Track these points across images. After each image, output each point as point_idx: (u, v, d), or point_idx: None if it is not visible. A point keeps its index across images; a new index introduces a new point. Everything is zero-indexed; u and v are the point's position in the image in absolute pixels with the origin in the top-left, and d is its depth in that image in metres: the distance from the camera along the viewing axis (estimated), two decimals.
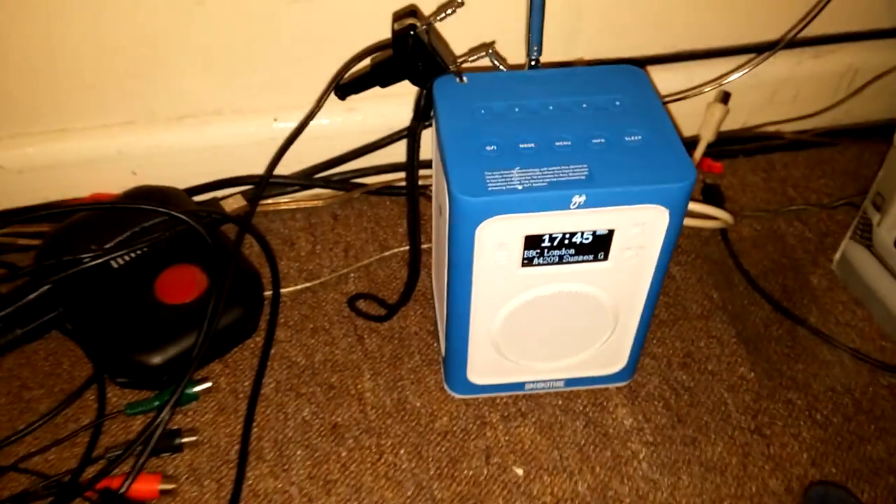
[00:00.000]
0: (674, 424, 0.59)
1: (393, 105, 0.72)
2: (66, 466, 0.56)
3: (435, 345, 0.64)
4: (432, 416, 0.59)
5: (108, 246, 0.62)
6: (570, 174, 0.47)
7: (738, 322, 0.65)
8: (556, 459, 0.56)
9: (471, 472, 0.56)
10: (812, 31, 0.76)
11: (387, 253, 0.71)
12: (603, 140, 0.49)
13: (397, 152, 0.75)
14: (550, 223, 0.48)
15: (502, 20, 0.68)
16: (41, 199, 0.71)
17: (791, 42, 0.77)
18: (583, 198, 0.46)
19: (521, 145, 0.48)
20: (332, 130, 0.73)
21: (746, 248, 0.71)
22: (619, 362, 0.59)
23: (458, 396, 0.60)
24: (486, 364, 0.57)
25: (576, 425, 0.59)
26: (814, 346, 0.64)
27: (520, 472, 0.56)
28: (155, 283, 0.61)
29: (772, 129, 0.81)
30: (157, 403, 0.58)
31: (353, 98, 0.72)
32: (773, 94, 0.80)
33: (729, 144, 0.80)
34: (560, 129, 0.49)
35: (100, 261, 0.61)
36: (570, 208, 0.47)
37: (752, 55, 0.75)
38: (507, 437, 0.58)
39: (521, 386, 0.60)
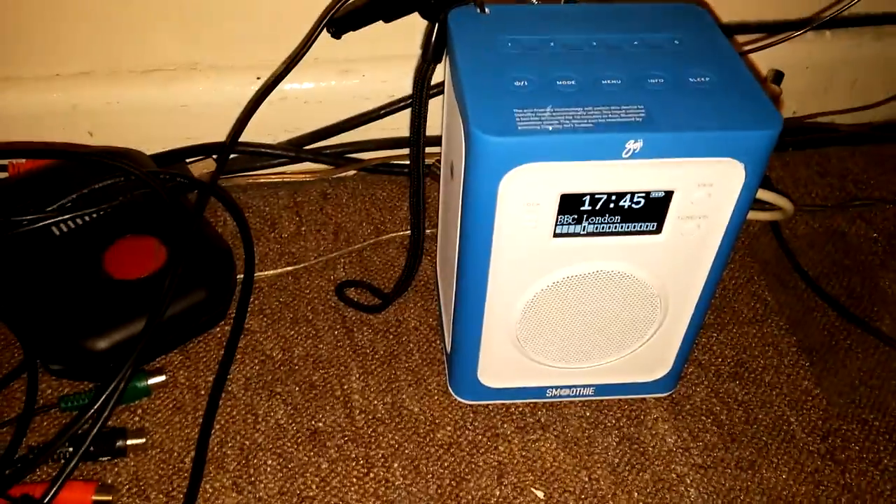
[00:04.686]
0: (726, 444, 0.48)
1: (395, 68, 0.62)
2: None
3: (438, 342, 0.53)
4: (433, 424, 0.48)
5: (49, 209, 0.52)
6: (623, 115, 0.37)
7: (799, 329, 0.55)
8: (583, 481, 0.46)
9: (479, 493, 0.45)
10: (873, 6, 0.68)
11: (383, 237, 0.61)
12: (662, 80, 0.39)
13: (398, 124, 0.65)
14: (594, 178, 0.38)
15: None
16: None
17: (849, 19, 0.68)
18: (639, 143, 0.36)
19: (559, 82, 0.39)
20: (323, 95, 0.63)
21: (802, 247, 0.61)
22: (661, 367, 0.49)
23: (465, 402, 0.50)
24: (500, 363, 0.47)
25: (608, 441, 0.48)
26: (890, 359, 0.53)
27: (540, 494, 0.45)
28: (104, 255, 0.51)
29: (826, 120, 0.72)
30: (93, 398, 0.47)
31: (349, 59, 0.63)
32: (829, 81, 0.70)
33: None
34: (607, 67, 0.40)
35: (38, 225, 0.51)
36: (622, 157, 0.37)
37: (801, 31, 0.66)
38: (523, 453, 0.47)
39: (541, 392, 0.49)
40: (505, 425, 0.49)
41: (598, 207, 0.39)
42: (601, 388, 0.49)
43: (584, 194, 0.39)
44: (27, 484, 0.43)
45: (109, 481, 0.45)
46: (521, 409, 0.50)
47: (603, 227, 0.40)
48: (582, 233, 0.40)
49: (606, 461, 0.47)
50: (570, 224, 0.40)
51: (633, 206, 0.39)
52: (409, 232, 0.61)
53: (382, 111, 0.64)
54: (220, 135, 0.63)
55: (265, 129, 0.63)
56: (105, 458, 0.46)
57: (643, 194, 0.39)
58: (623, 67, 0.40)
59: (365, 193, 0.65)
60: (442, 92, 0.48)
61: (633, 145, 0.36)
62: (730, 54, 0.41)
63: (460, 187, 0.40)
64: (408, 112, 0.64)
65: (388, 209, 0.64)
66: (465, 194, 0.39)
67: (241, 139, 0.58)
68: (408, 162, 0.66)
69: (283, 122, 0.64)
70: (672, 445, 0.48)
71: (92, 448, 0.45)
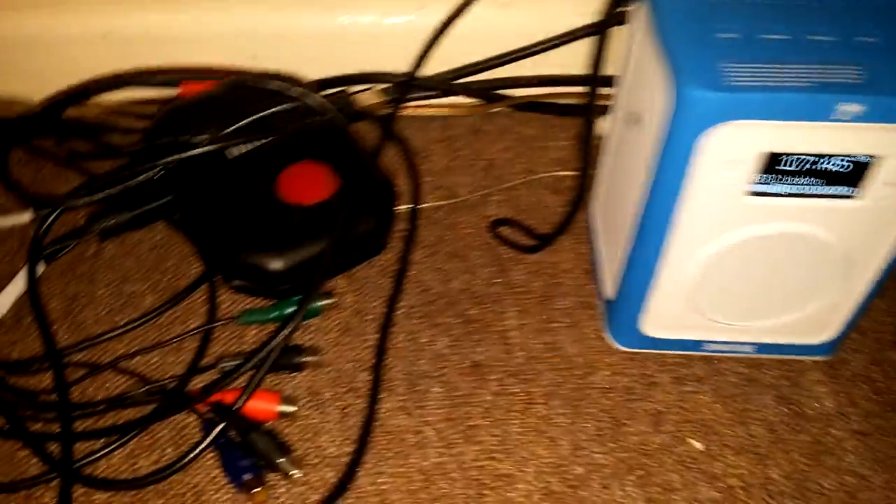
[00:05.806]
0: (885, 413, 0.48)
1: (551, 4, 0.61)
2: (170, 372, 0.49)
3: (591, 287, 0.54)
4: (590, 367, 0.50)
5: (226, 132, 0.54)
6: (839, 75, 0.36)
7: None
8: (742, 437, 0.47)
9: (637, 438, 0.46)
10: None
11: (533, 177, 0.61)
12: (877, 40, 0.38)
13: (551, 62, 0.64)
14: (800, 139, 0.37)
15: None
16: None
17: None
18: (854, 106, 0.35)
19: (767, 36, 0.38)
20: (480, 29, 0.62)
21: None
22: (826, 331, 0.48)
23: (620, 348, 0.51)
24: (666, 314, 0.47)
25: (765, 400, 0.48)
26: None
27: (698, 445, 0.46)
28: (277, 180, 0.53)
29: None
30: (275, 314, 0.50)
31: None
32: None
33: None
34: (816, 23, 0.38)
35: (222, 144, 0.53)
36: (835, 119, 0.36)
37: None
38: (680, 403, 0.48)
39: (697, 345, 0.50)
40: (660, 374, 0.49)
41: (799, 168, 0.39)
42: (761, 347, 0.49)
43: (788, 154, 0.38)
44: (217, 392, 0.47)
45: (288, 393, 0.48)
46: (675, 359, 0.50)
47: (801, 189, 0.39)
48: (780, 193, 0.40)
49: (764, 419, 0.47)
50: (767, 184, 0.39)
51: (836, 168, 0.38)
52: (559, 172, 0.62)
53: (539, 47, 0.63)
54: (377, 64, 0.63)
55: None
56: (284, 372, 0.49)
57: (850, 158, 0.38)
58: (833, 23, 0.38)
59: (515, 130, 0.65)
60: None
61: (848, 108, 0.35)
62: None
63: (650, 138, 0.40)
64: (559, 50, 0.63)
65: (538, 148, 0.64)
66: (660, 147, 0.39)
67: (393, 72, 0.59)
68: (557, 101, 0.66)
69: (438, 55, 0.64)
70: (831, 410, 0.48)
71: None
